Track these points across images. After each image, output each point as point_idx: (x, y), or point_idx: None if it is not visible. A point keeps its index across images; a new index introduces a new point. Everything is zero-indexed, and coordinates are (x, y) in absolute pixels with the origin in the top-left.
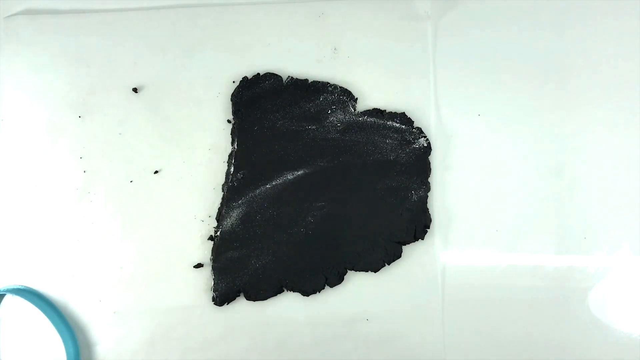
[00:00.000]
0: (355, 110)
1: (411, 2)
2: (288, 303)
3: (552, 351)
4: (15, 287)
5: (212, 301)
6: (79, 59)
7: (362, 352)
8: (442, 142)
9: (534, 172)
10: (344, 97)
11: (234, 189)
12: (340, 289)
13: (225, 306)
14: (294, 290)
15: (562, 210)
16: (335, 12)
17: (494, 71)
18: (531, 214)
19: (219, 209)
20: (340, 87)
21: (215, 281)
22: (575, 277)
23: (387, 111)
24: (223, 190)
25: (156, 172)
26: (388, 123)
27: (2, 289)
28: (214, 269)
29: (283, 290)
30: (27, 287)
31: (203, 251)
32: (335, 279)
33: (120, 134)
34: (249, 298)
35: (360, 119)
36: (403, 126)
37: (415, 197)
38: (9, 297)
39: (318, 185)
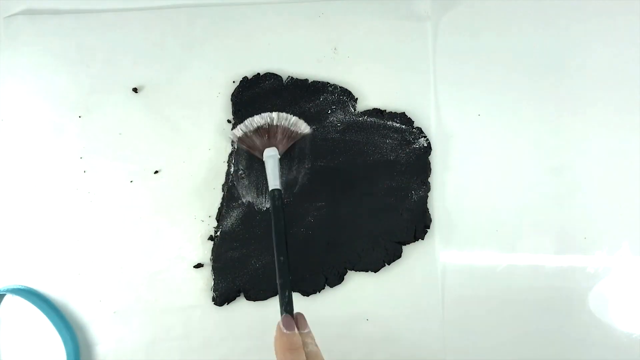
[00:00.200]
0: (355, 110)
1: (411, 2)
2: None
3: (552, 351)
4: (15, 287)
5: (212, 301)
6: (79, 59)
7: (362, 352)
8: (442, 142)
9: (534, 173)
10: (344, 97)
11: (234, 189)
12: (340, 289)
13: (225, 306)
14: (294, 290)
15: (562, 210)
16: (335, 12)
17: (494, 71)
18: (531, 214)
19: (219, 209)
20: (340, 87)
21: (215, 281)
22: (575, 277)
23: (387, 111)
24: (223, 190)
25: (156, 172)
26: (388, 123)
27: (2, 289)
28: (214, 269)
29: None
30: (27, 287)
31: (203, 251)
32: (335, 279)
33: (120, 134)
34: (249, 298)
35: (360, 119)
36: (403, 126)
37: (415, 197)
38: (9, 297)
39: (318, 185)
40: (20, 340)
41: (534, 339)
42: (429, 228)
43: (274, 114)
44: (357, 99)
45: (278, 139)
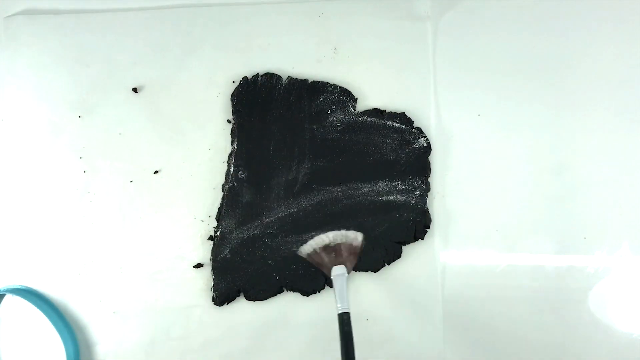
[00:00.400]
0: (355, 110)
1: (411, 2)
2: (288, 303)
3: (552, 351)
4: (15, 287)
5: (212, 301)
6: (79, 59)
7: (362, 352)
8: (442, 142)
9: (534, 172)
10: (344, 97)
11: (234, 189)
12: None
13: (225, 306)
14: (294, 290)
15: (562, 210)
16: (335, 12)
17: (494, 71)
18: (531, 214)
19: (219, 209)
20: (340, 87)
21: (215, 281)
22: (575, 277)
23: (387, 111)
24: (223, 190)
25: (156, 172)
26: (388, 123)
27: (2, 289)
28: (214, 269)
29: (283, 290)
30: (27, 287)
31: (203, 251)
32: None
33: (120, 134)
34: (249, 298)
35: (360, 119)
36: (403, 126)
37: (415, 197)
38: (9, 297)
39: (318, 185)
40: (20, 340)
41: (534, 339)
42: (429, 228)
43: (332, 234)
44: (357, 99)
45: (344, 256)
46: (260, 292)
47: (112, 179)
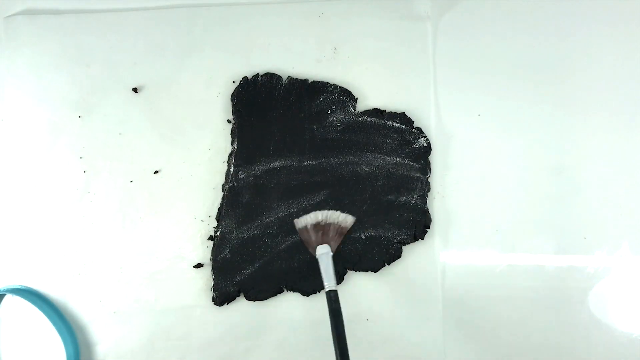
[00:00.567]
0: (355, 110)
1: (411, 2)
2: (288, 303)
3: (552, 351)
4: (15, 287)
5: (212, 301)
6: (79, 59)
7: (362, 352)
8: (442, 142)
9: (534, 173)
10: (344, 97)
11: (234, 189)
12: (340, 289)
13: (225, 306)
14: (294, 290)
15: (562, 210)
16: (335, 12)
17: (494, 71)
18: (531, 214)
19: (219, 209)
20: (340, 87)
21: (215, 281)
22: (575, 277)
23: (387, 111)
24: (223, 190)
25: (156, 172)
26: (388, 123)
27: (2, 289)
28: (214, 269)
29: (283, 290)
30: (27, 287)
31: (203, 251)
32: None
33: (120, 134)
34: (249, 298)
35: (360, 119)
36: (403, 126)
37: (415, 197)
38: (9, 297)
39: (318, 185)
40: (20, 340)
41: (533, 339)
42: (429, 228)
43: (325, 213)
44: (357, 99)
45: (330, 235)
46: (260, 292)
47: (112, 179)
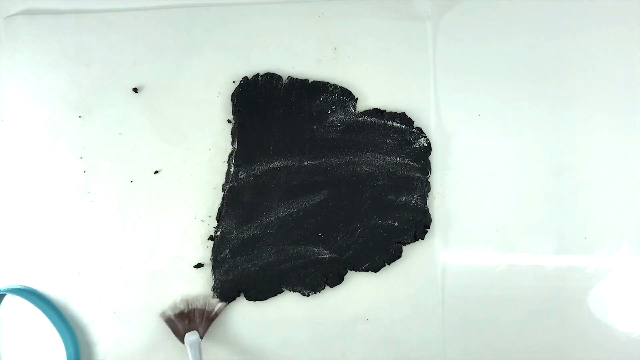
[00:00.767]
0: (355, 110)
1: (411, 2)
2: (288, 303)
3: (552, 351)
4: (15, 287)
5: None
6: (79, 59)
7: (362, 352)
8: (442, 142)
9: (534, 173)
10: (344, 97)
11: (234, 189)
12: (340, 289)
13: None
14: (294, 290)
15: (562, 210)
16: (335, 12)
17: (494, 71)
18: (531, 214)
19: (219, 209)
20: (340, 87)
21: (215, 281)
22: (575, 277)
23: (387, 111)
24: (223, 190)
25: (156, 172)
26: (388, 123)
27: (2, 289)
28: (214, 269)
29: (283, 290)
30: (27, 287)
31: (203, 251)
32: (335, 279)
33: (120, 134)
34: (249, 298)
35: (360, 119)
36: (403, 126)
37: (415, 197)
38: (9, 297)
39: (318, 185)
40: (20, 340)
41: (533, 339)
42: (429, 228)
43: (187, 300)
44: (357, 99)
45: (197, 321)
46: (260, 292)
47: (112, 179)
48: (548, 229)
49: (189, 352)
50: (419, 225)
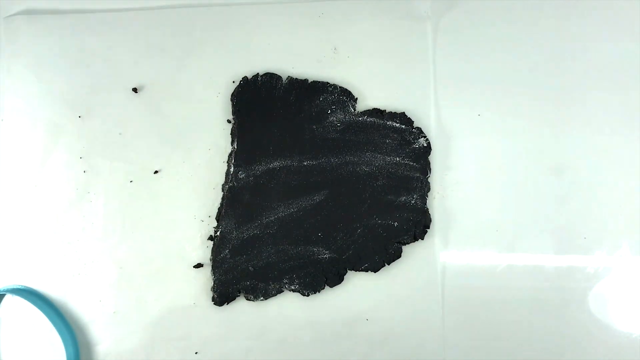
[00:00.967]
0: (355, 110)
1: (411, 2)
2: (288, 303)
3: (552, 351)
4: (15, 287)
5: (212, 301)
6: (79, 59)
7: (362, 352)
8: (442, 142)
9: (534, 172)
10: (344, 97)
11: (234, 189)
12: (340, 289)
13: (225, 306)
14: (294, 290)
15: (562, 210)
16: (335, 12)
17: (494, 71)
18: (531, 214)
19: (219, 209)
20: (340, 87)
21: (215, 281)
22: (575, 277)
23: (387, 111)
24: (223, 190)
25: (156, 172)
26: (388, 123)
27: (2, 289)
28: (213, 269)
29: (283, 290)
30: (27, 287)
31: (203, 251)
32: (335, 279)
33: (120, 134)
34: (249, 298)
35: (360, 119)
36: (403, 126)
37: (415, 197)
38: (9, 297)
39: (318, 185)
40: (20, 340)
41: (533, 339)
42: (429, 228)
43: None
44: (357, 99)
45: None
46: (260, 292)
47: (112, 179)
48: (548, 229)
49: None
50: (418, 225)
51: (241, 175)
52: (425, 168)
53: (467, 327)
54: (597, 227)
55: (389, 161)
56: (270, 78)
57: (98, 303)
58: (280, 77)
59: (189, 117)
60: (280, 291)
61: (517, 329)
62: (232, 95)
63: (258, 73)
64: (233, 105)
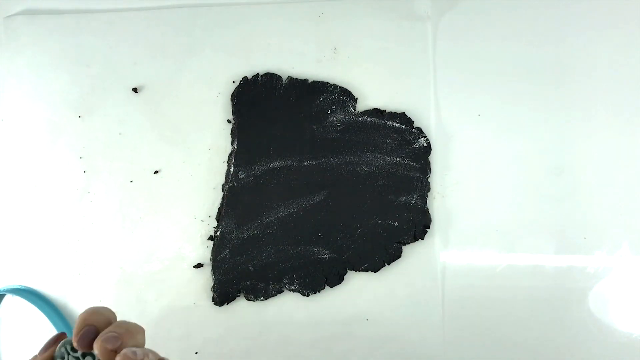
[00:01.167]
0: (355, 110)
1: (411, 2)
2: (288, 303)
3: (552, 351)
4: (15, 287)
5: (212, 301)
6: (79, 59)
7: (362, 352)
8: (442, 142)
9: (534, 172)
10: (344, 97)
11: (234, 189)
12: (340, 289)
13: (225, 306)
14: (294, 290)
15: (562, 210)
16: (335, 12)
17: (494, 71)
18: (531, 214)
19: (219, 209)
20: (340, 87)
21: (215, 281)
22: (575, 277)
23: (387, 111)
24: (223, 190)
25: (156, 172)
26: (388, 123)
27: (2, 289)
28: (213, 269)
29: (283, 290)
30: (27, 287)
31: (203, 251)
32: (335, 279)
33: (120, 134)
34: (249, 298)
35: (360, 119)
36: (403, 126)
37: (415, 197)
38: (9, 297)
39: (318, 185)
40: (20, 340)
41: (533, 338)
42: (429, 228)
43: None
44: (357, 99)
45: None
46: (260, 292)
47: (112, 179)
48: (548, 229)
49: None
50: (418, 225)
51: (241, 175)
52: (425, 168)
53: (467, 327)
54: (597, 227)
55: (389, 161)
56: (270, 78)
57: (98, 303)
58: (280, 77)
59: (189, 117)
60: (280, 291)
61: (517, 329)
62: (232, 95)
63: (258, 73)
64: (233, 105)
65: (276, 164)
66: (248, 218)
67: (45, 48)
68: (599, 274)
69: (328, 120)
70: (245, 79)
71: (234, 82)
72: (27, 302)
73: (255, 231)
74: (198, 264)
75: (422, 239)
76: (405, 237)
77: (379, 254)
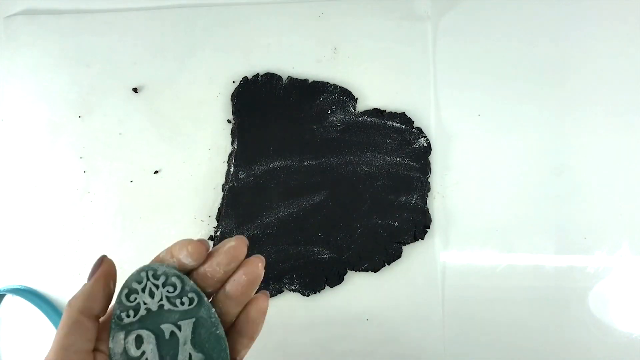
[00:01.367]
0: (355, 110)
1: (411, 2)
2: (288, 303)
3: (552, 351)
4: (15, 287)
5: None
6: (79, 59)
7: (362, 352)
8: (442, 142)
9: (534, 172)
10: (344, 97)
11: (234, 189)
12: (340, 289)
13: None
14: (294, 290)
15: (562, 210)
16: (335, 12)
17: (494, 71)
18: (531, 214)
19: (219, 209)
20: (340, 87)
21: None
22: (575, 277)
23: (387, 111)
24: (223, 190)
25: (156, 172)
26: (388, 123)
27: (2, 289)
28: None
29: (283, 290)
30: (27, 287)
31: None
32: (335, 279)
33: (120, 134)
34: None
35: (360, 119)
36: (403, 126)
37: (415, 197)
38: (9, 297)
39: (318, 185)
40: (20, 340)
41: (533, 338)
42: (429, 228)
43: None
44: (357, 99)
45: None
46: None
47: (112, 179)
48: (548, 229)
49: None
50: (418, 225)
51: (241, 175)
52: (425, 168)
53: (467, 327)
54: (597, 227)
55: (389, 161)
56: (270, 78)
57: None
58: (280, 77)
59: (189, 117)
60: (280, 291)
61: (517, 329)
62: (232, 95)
63: (258, 73)
64: (233, 105)
65: (276, 164)
66: (248, 218)
67: (45, 48)
68: (599, 274)
69: (328, 120)
70: (245, 79)
71: (234, 82)
72: (27, 302)
73: (255, 231)
74: None
75: (422, 239)
76: (405, 237)
77: (379, 254)
